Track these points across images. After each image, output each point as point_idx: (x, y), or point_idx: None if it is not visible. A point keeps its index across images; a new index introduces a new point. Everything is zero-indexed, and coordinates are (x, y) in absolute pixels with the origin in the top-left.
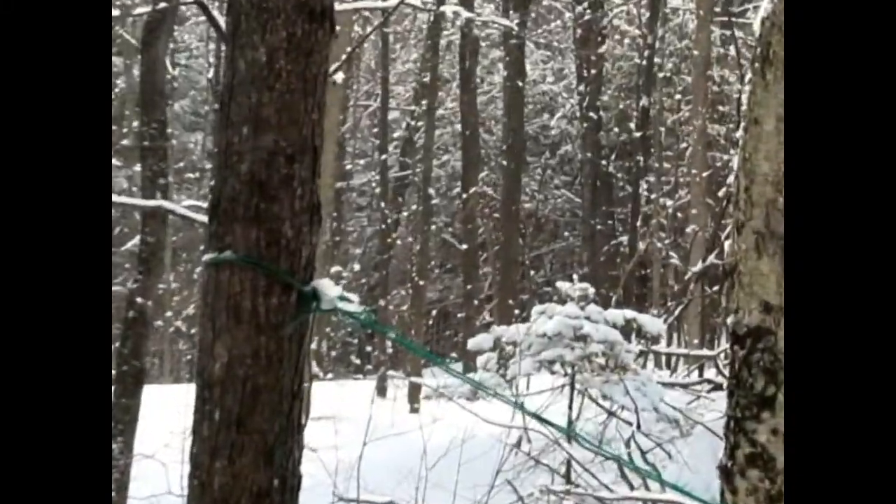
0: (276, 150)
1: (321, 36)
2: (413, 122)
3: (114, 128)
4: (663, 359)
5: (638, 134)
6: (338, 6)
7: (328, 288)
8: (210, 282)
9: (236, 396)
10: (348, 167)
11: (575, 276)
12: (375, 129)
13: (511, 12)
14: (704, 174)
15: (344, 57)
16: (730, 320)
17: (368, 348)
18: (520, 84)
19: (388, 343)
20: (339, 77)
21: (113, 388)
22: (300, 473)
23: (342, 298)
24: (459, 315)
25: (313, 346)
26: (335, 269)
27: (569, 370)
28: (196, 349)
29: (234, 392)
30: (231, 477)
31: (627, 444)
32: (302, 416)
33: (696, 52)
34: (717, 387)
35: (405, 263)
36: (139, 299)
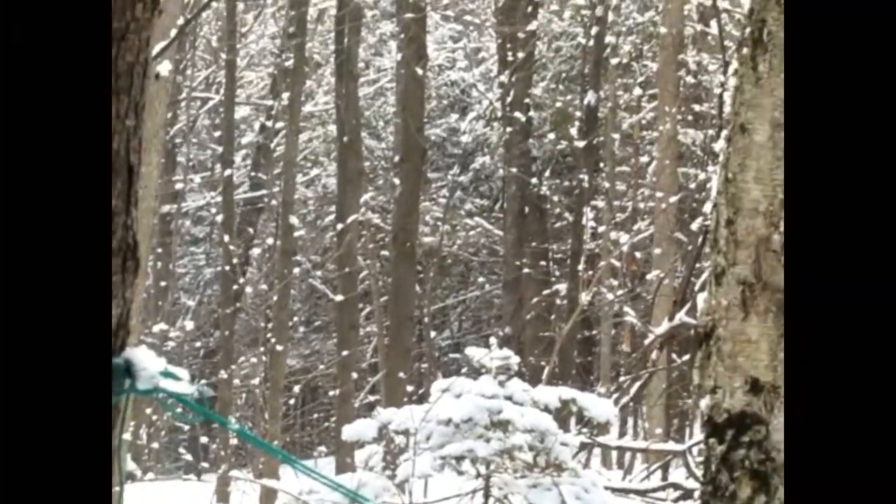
0: None
1: (140, 11)
2: (270, 123)
3: None
4: (614, 455)
5: (582, 142)
6: None
7: (146, 360)
8: None
9: None
10: (179, 185)
11: (493, 340)
12: (217, 133)
13: None
14: (673, 199)
15: (173, 33)
16: (704, 403)
17: (204, 439)
18: (419, 71)
19: (232, 432)
20: (166, 69)
21: None
22: None
23: (166, 374)
24: (332, 392)
25: (126, 435)
26: (159, 327)
27: (482, 470)
28: None
29: None
30: None
31: None
32: None
33: (663, 30)
34: (687, 494)
35: (257, 319)
36: None
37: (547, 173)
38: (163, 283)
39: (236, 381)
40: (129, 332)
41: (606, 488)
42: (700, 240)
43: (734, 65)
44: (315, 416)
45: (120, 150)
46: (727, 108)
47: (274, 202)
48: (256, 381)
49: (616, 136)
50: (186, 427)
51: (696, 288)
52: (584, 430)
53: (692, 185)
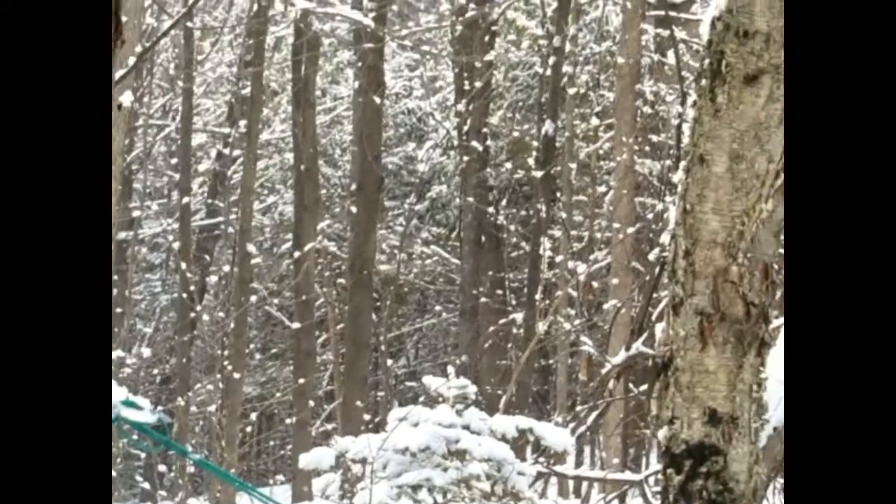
0: None
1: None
2: (227, 151)
3: None
4: (571, 484)
5: (539, 172)
6: None
7: None
8: None
9: None
10: (136, 212)
11: (450, 368)
12: (174, 160)
13: (366, 1)
14: (630, 229)
15: (131, 61)
16: (662, 433)
17: (161, 467)
18: (377, 100)
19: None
20: (128, 99)
21: None
22: None
23: (127, 404)
24: (289, 420)
25: None
26: (116, 353)
27: (440, 499)
28: None
29: None
30: None
31: None
32: None
33: (620, 60)
34: None
35: (213, 346)
36: None
37: (504, 202)
38: (119, 310)
39: (193, 408)
40: None
41: None
42: (657, 270)
43: (692, 96)
44: (271, 443)
45: None
46: (685, 139)
47: (231, 229)
48: (213, 407)
49: (573, 165)
50: (142, 454)
51: (654, 318)
52: (541, 459)
53: (649, 216)
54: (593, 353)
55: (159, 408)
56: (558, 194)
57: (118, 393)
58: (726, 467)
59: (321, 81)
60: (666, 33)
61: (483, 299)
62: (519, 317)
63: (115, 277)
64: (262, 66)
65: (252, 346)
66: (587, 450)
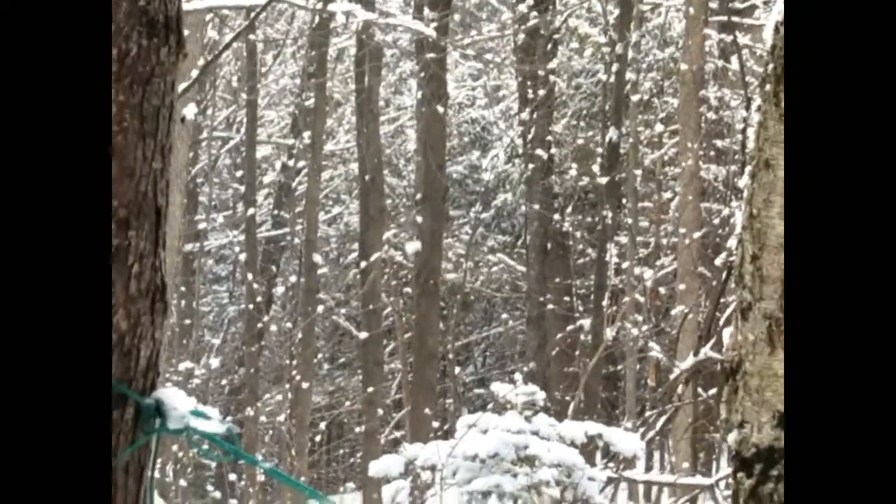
0: None
1: (165, 55)
2: (291, 162)
3: None
4: (641, 489)
5: (604, 179)
6: (186, 5)
7: (176, 399)
8: None
9: None
10: (202, 224)
11: (518, 375)
12: (239, 172)
13: (427, 11)
14: (696, 234)
15: (194, 74)
16: (732, 438)
17: (232, 476)
18: (440, 109)
19: (260, 469)
20: (191, 111)
21: None
22: None
23: (197, 414)
24: (358, 428)
25: (156, 472)
26: (185, 364)
27: None
28: None
29: None
30: None
31: None
32: None
33: (683, 66)
34: None
35: (281, 356)
36: None
37: (569, 210)
38: (187, 322)
39: (262, 418)
40: (158, 373)
41: None
42: (724, 275)
43: (757, 101)
44: (341, 451)
45: (147, 192)
46: (750, 144)
47: (297, 240)
48: (282, 417)
49: (638, 172)
50: (213, 464)
51: (721, 323)
52: (611, 464)
53: (715, 221)
54: (661, 358)
55: (228, 418)
56: (624, 201)
57: (187, 403)
58: None
59: (384, 92)
60: (729, 39)
61: (550, 306)
62: (586, 323)
63: (182, 289)
64: (324, 77)
65: (320, 355)
66: (657, 454)
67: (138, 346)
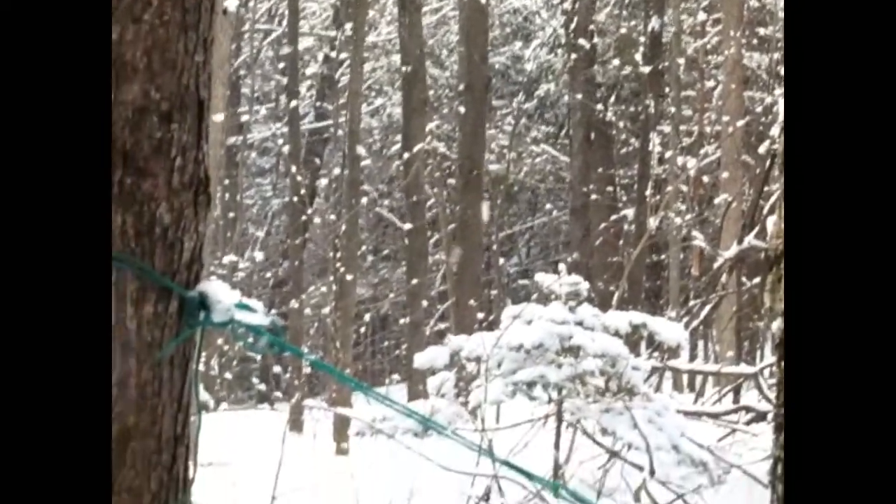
0: (145, 106)
1: None
2: (333, 54)
3: None
4: (685, 378)
5: (647, 68)
6: None
7: (220, 292)
8: None
9: None
10: (244, 117)
11: (561, 266)
12: (281, 65)
13: None
14: (740, 123)
15: None
16: (776, 326)
17: (277, 368)
18: (482, 0)
19: (305, 361)
20: (233, 3)
21: None
22: None
23: (241, 307)
24: (402, 320)
25: (201, 366)
26: (229, 258)
27: (554, 395)
28: None
29: None
30: None
31: (637, 497)
32: (188, 467)
33: None
34: (760, 416)
35: (326, 249)
36: None
37: (612, 99)
38: (231, 215)
39: (307, 311)
40: (202, 265)
41: (678, 412)
42: (767, 163)
43: None
44: (386, 344)
45: (189, 85)
46: None
47: (340, 132)
48: (327, 310)
49: (681, 61)
50: (258, 357)
51: (765, 211)
52: (655, 354)
53: (758, 109)
54: (705, 247)
55: (272, 311)
56: (666, 90)
57: (232, 296)
58: None
59: None
60: None
61: (593, 196)
62: (630, 213)
63: (225, 182)
64: None
65: (364, 247)
66: (701, 344)
67: (182, 238)
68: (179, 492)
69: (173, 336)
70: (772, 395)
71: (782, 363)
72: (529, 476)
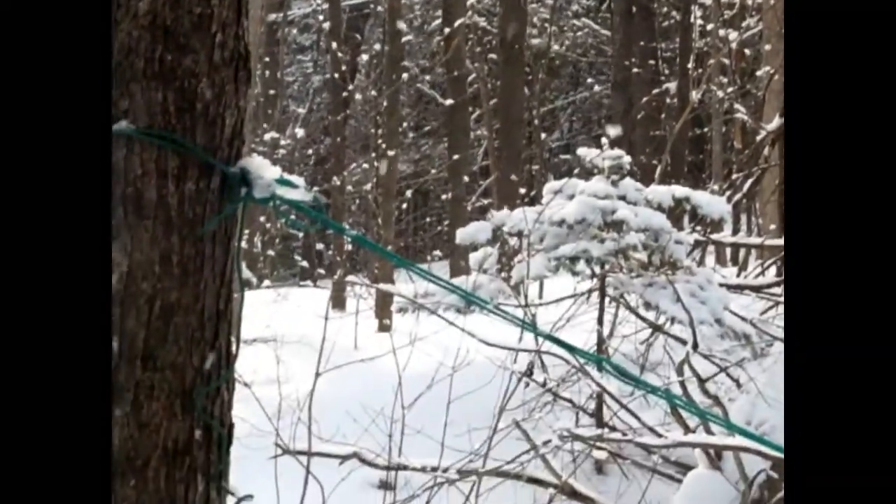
0: None
1: None
2: None
3: None
4: (728, 252)
5: None
6: None
7: (262, 168)
8: None
9: (141, 319)
10: None
11: (604, 140)
12: None
13: None
14: None
15: None
16: None
17: (319, 245)
18: None
19: (348, 237)
20: None
21: None
22: (230, 420)
23: (282, 182)
24: (444, 196)
25: (244, 243)
26: (270, 135)
27: (597, 270)
28: None
29: (138, 313)
30: (137, 428)
31: (680, 371)
32: (231, 343)
33: None
34: None
35: (367, 126)
36: None
37: None
38: (272, 92)
39: (348, 188)
40: (243, 141)
41: (721, 285)
42: None
43: None
44: (427, 220)
45: None
46: None
47: (380, 8)
48: (368, 186)
49: None
50: (301, 234)
51: None
52: (698, 228)
53: None
54: (748, 120)
55: (314, 188)
56: None
57: (273, 172)
58: None
59: None
60: None
61: (635, 70)
62: (672, 86)
63: (266, 59)
64: None
65: (405, 124)
66: (743, 217)
67: (223, 114)
68: (223, 367)
69: (215, 212)
70: None
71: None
72: (573, 350)
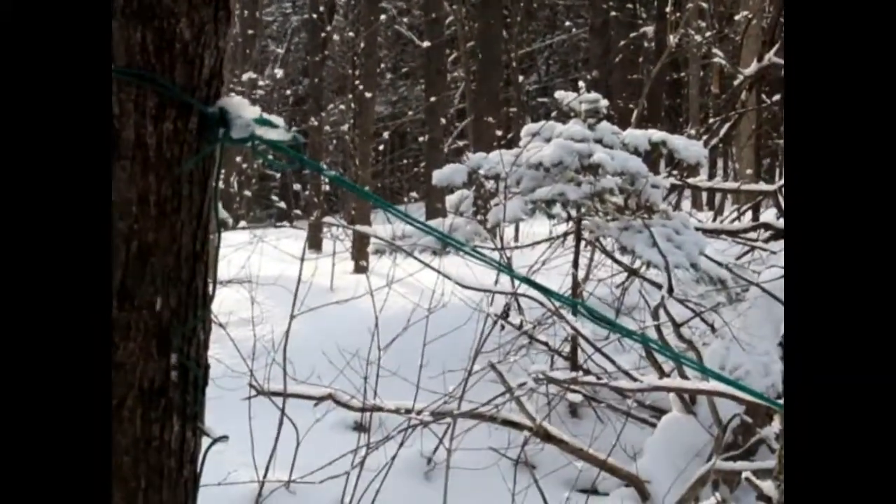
0: None
1: None
2: None
3: None
4: (704, 196)
5: None
6: None
7: (241, 108)
8: None
9: (117, 260)
10: None
11: (581, 83)
12: None
13: None
14: None
15: None
16: None
17: (296, 186)
18: None
19: (325, 178)
20: None
21: None
22: (206, 361)
23: (261, 122)
24: (421, 137)
25: (220, 184)
26: (248, 75)
27: (573, 213)
28: None
29: (115, 252)
30: (113, 368)
31: (655, 315)
32: (207, 283)
33: None
34: (778, 234)
35: (345, 66)
36: None
37: None
38: (250, 32)
39: (326, 128)
40: (222, 81)
41: (697, 229)
42: None
43: None
44: (404, 161)
45: None
46: None
47: None
48: (345, 127)
49: None
50: (277, 175)
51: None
52: (674, 172)
53: None
54: (725, 64)
55: (293, 128)
56: None
57: (252, 112)
58: None
59: None
60: None
61: (613, 13)
62: (650, 30)
63: None
64: None
65: (383, 65)
66: (720, 161)
67: (202, 54)
68: (199, 308)
69: (193, 152)
70: None
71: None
72: (548, 293)
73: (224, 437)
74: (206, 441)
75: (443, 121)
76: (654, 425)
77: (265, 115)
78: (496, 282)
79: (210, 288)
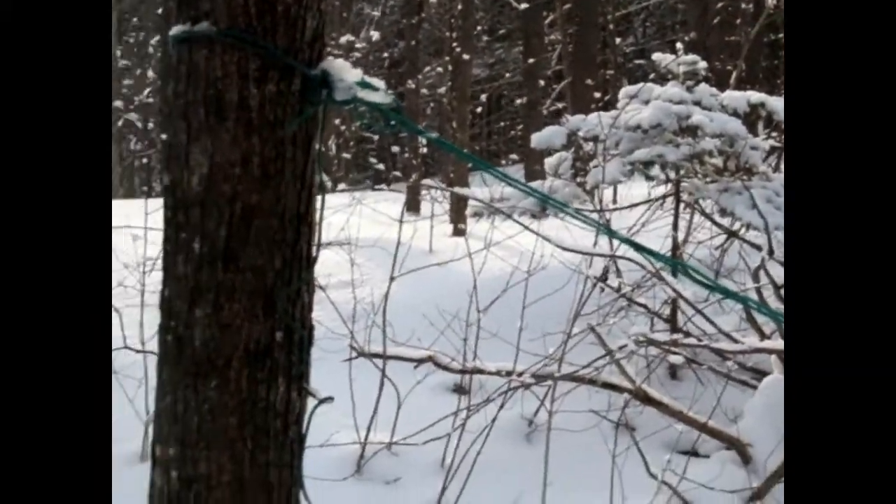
0: None
1: None
2: None
3: None
4: None
5: None
6: None
7: (343, 71)
8: (181, 64)
9: (222, 220)
10: None
11: (679, 45)
12: None
13: None
14: None
15: None
16: None
17: (395, 148)
18: None
19: (423, 141)
20: None
21: None
22: (311, 322)
23: (363, 85)
24: (518, 100)
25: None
26: (345, 38)
27: (672, 175)
28: (162, 154)
29: (219, 215)
30: (218, 329)
31: (756, 277)
32: (311, 245)
33: None
34: None
35: (441, 29)
36: None
37: None
38: None
39: (423, 91)
40: (324, 43)
41: None
42: None
43: None
44: (502, 124)
45: None
46: None
47: None
48: (442, 90)
49: None
50: (375, 138)
51: None
52: (774, 133)
53: None
54: None
55: (389, 91)
56: None
57: (354, 74)
58: None
59: None
60: None
61: None
62: None
63: None
64: None
65: (479, 27)
66: None
67: (304, 16)
68: (303, 269)
69: (296, 114)
70: None
71: None
72: (649, 254)
73: (329, 398)
74: (311, 402)
75: (540, 83)
76: (754, 387)
77: (367, 78)
78: (595, 244)
79: (314, 251)
